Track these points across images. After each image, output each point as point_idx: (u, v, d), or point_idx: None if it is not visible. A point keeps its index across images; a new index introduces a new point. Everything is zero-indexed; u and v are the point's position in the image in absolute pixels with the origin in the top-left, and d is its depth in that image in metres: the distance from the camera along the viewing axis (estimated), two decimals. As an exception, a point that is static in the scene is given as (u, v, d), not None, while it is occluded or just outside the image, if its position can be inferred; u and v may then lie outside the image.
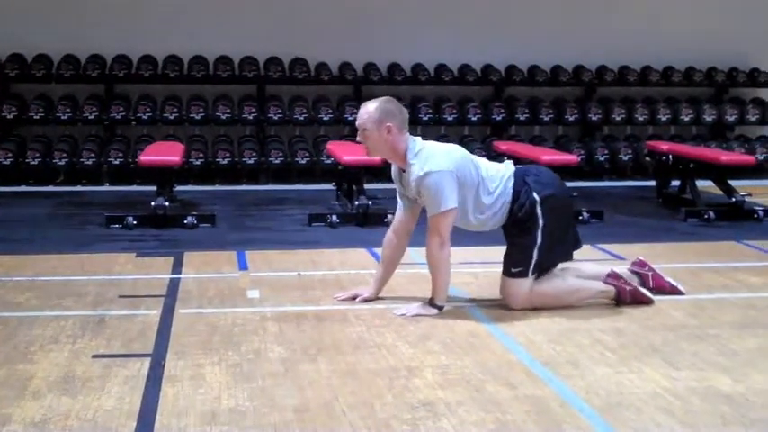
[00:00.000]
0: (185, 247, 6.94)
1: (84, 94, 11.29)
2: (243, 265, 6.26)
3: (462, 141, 10.90)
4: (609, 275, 5.18)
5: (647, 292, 5.18)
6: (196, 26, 11.61)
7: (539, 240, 4.91)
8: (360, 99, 11.09)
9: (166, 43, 11.53)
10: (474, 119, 11.84)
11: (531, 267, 4.94)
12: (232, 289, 5.52)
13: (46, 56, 11.39)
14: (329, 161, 10.24)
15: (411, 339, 4.49)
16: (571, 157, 9.05)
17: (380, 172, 8.95)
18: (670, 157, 9.24)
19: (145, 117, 11.14)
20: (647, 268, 5.38)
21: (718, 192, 8.76)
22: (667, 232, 7.87)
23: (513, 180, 4.97)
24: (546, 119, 11.96)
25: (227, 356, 4.21)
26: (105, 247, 7.00)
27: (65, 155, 10.62)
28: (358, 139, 5.01)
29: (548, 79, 12.32)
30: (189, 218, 7.85)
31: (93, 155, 10.64)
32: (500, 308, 5.04)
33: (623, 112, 12.13)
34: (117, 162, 10.67)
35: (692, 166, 8.95)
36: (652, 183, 9.88)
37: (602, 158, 11.54)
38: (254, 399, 3.67)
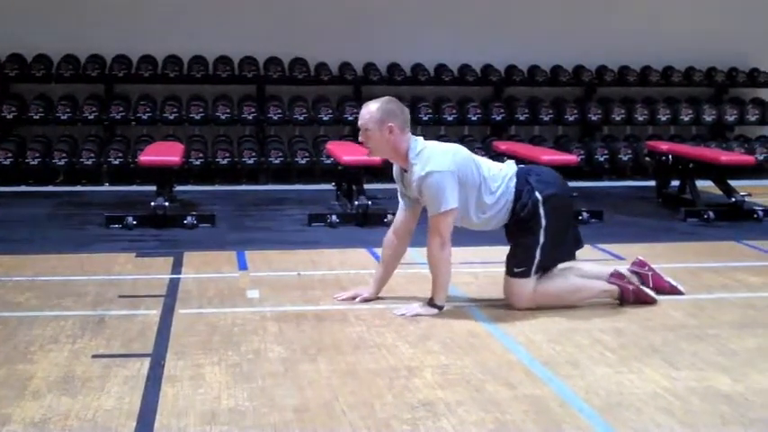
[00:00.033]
0: (185, 247, 6.94)
1: (84, 94, 11.30)
2: (243, 265, 6.26)
3: (462, 141, 10.88)
4: (612, 275, 5.18)
5: (651, 292, 5.19)
6: (196, 26, 11.61)
7: (541, 240, 4.91)
8: (360, 99, 11.11)
9: (166, 43, 11.53)
10: (474, 119, 11.84)
11: (534, 267, 4.94)
12: (232, 289, 5.52)
13: (46, 56, 11.40)
14: (329, 161, 10.24)
15: (411, 339, 4.49)
16: (571, 158, 9.04)
17: (380, 172, 8.96)
18: (670, 157, 9.25)
19: (145, 117, 11.14)
20: (646, 268, 5.38)
21: (718, 192, 8.76)
22: (667, 232, 7.87)
23: (515, 179, 4.97)
24: (546, 119, 11.96)
25: (226, 356, 4.21)
26: (105, 247, 7.00)
27: (64, 155, 10.62)
28: (360, 139, 5.01)
29: (548, 79, 12.32)
30: (189, 218, 7.85)
31: (92, 155, 10.65)
32: (500, 308, 5.04)
33: (623, 112, 12.13)
34: (117, 162, 10.67)
35: (691, 166, 8.95)
36: (652, 183, 9.88)
37: (602, 158, 11.54)
38: (253, 399, 3.67)
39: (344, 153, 8.29)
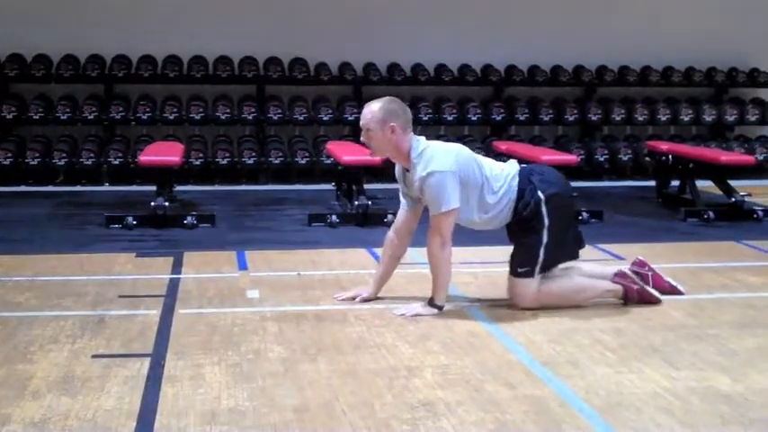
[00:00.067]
0: (185, 247, 6.94)
1: (84, 94, 11.29)
2: (243, 265, 6.26)
3: (462, 141, 10.82)
4: (616, 274, 5.18)
5: (655, 292, 5.18)
6: (196, 26, 11.61)
7: (545, 239, 4.91)
8: (359, 99, 11.12)
9: (166, 43, 11.53)
10: (474, 119, 11.84)
11: (538, 267, 4.94)
12: (232, 289, 5.52)
13: (45, 56, 11.39)
14: (329, 161, 10.24)
15: (411, 339, 4.49)
16: (571, 157, 9.05)
17: (380, 172, 8.98)
18: (670, 157, 9.25)
19: (144, 117, 11.14)
20: (646, 268, 5.37)
21: (718, 192, 8.76)
22: (667, 232, 7.87)
23: (518, 178, 4.98)
24: (546, 119, 11.96)
25: (226, 356, 4.21)
26: (105, 247, 7.00)
27: (64, 155, 10.62)
28: (362, 139, 5.01)
29: (547, 79, 12.32)
30: (189, 218, 7.85)
31: (92, 155, 10.64)
32: (500, 308, 5.04)
33: (623, 112, 12.13)
34: (117, 162, 10.67)
35: (691, 166, 8.95)
36: (652, 183, 9.88)
37: (602, 158, 11.54)
38: (253, 399, 3.67)
39: (344, 153, 8.29)
